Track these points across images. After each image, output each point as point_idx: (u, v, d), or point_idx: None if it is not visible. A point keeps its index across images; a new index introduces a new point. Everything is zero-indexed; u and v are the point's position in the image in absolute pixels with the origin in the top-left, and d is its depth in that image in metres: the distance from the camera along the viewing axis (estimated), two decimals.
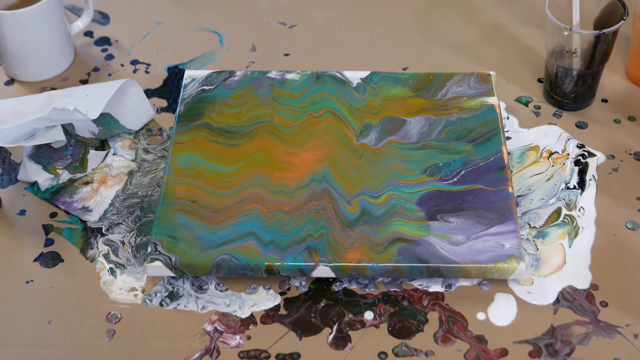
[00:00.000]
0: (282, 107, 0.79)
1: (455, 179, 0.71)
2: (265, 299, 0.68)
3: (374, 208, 0.69)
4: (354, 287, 0.68)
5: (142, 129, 0.83)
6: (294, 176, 0.72)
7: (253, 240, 0.67)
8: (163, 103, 0.86)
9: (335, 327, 0.66)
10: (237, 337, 0.65)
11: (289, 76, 0.82)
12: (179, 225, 0.69)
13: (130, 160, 0.80)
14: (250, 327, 0.66)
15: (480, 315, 0.66)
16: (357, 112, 0.78)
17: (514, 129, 0.80)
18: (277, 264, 0.66)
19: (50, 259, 0.72)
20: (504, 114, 0.81)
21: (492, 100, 0.78)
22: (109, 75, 0.89)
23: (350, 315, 0.66)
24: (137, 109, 0.82)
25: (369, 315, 0.66)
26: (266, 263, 0.66)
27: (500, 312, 0.66)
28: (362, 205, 0.70)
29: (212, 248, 0.67)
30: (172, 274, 0.67)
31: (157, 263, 0.66)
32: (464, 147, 0.74)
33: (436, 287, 0.68)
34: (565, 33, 0.77)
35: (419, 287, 0.68)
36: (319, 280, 0.69)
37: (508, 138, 0.79)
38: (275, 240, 0.67)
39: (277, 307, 0.67)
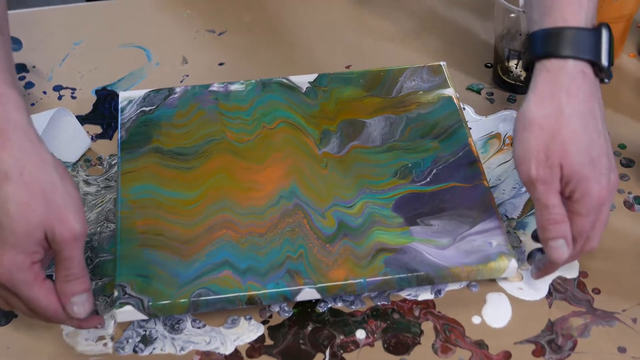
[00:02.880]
0: (233, 121, 0.74)
1: (428, 179, 0.68)
2: (248, 330, 0.63)
3: (350, 219, 0.65)
4: (339, 305, 0.64)
5: (79, 160, 0.76)
6: (261, 195, 0.67)
7: (229, 269, 0.63)
8: (97, 129, 0.79)
9: (328, 352, 0.61)
10: None
11: (233, 87, 0.77)
12: (149, 262, 0.63)
13: None
14: None
15: (476, 319, 0.63)
16: (313, 119, 0.74)
17: (471, 118, 0.78)
18: (258, 292, 0.61)
19: (2, 316, 0.65)
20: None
21: (448, 91, 0.75)
22: (32, 105, 0.82)
23: (342, 337, 0.62)
24: (73, 140, 0.76)
25: (360, 334, 0.63)
26: (247, 293, 0.61)
27: (495, 313, 0.64)
28: (337, 217, 0.66)
29: (187, 284, 0.62)
30: (145, 317, 0.61)
31: (128, 308, 0.61)
32: (430, 144, 0.71)
33: (425, 294, 0.65)
34: (512, 15, 0.75)
35: (408, 297, 0.65)
36: (301, 302, 0.64)
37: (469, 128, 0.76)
38: (252, 267, 0.63)
39: (262, 338, 0.63)
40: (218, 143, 0.72)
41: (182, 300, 0.61)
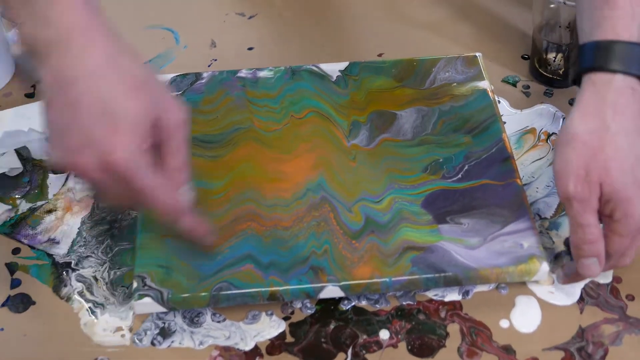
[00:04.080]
0: (260, 109, 0.72)
1: (460, 175, 0.66)
2: (269, 326, 0.61)
3: (377, 215, 0.63)
4: (363, 303, 0.62)
5: None
6: (287, 186, 0.66)
7: (251, 263, 0.61)
8: None
9: (350, 352, 0.60)
10: None
11: (261, 74, 0.75)
12: (170, 252, 0.61)
13: None
14: None
15: (504, 323, 0.61)
16: (342, 109, 0.72)
17: (506, 112, 0.75)
18: (280, 288, 0.59)
19: (20, 302, 0.64)
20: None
21: (483, 84, 0.73)
22: None
23: (365, 337, 0.61)
24: None
25: (384, 334, 0.61)
26: (269, 289, 0.59)
27: (524, 318, 0.61)
28: (364, 212, 0.64)
29: (209, 277, 0.60)
30: (164, 310, 0.60)
31: (147, 300, 0.59)
32: (463, 139, 0.69)
33: (452, 295, 0.63)
34: (552, 6, 0.73)
35: (434, 298, 0.63)
36: (324, 299, 0.63)
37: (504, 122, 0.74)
38: (275, 262, 0.61)
39: (282, 335, 0.61)
40: (245, 131, 0.70)
41: (202, 294, 0.59)
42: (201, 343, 0.61)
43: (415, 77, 0.74)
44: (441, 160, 0.67)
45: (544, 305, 0.62)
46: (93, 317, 0.62)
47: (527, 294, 0.63)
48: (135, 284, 0.60)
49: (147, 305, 0.60)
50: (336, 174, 0.66)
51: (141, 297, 0.59)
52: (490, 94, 0.72)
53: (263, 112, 0.72)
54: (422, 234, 0.62)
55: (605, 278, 0.63)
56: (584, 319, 0.61)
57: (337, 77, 0.74)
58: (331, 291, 0.60)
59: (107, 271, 0.65)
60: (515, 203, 0.64)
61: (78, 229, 0.68)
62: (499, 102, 0.76)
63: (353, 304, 0.62)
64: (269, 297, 0.60)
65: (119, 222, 0.68)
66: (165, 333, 0.61)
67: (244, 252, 0.62)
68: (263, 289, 0.59)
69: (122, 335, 0.61)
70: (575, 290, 0.63)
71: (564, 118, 0.74)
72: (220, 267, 0.61)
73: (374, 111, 0.71)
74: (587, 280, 0.63)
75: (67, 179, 0.72)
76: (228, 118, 0.71)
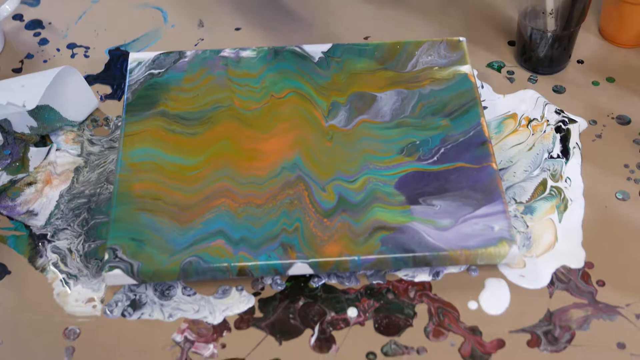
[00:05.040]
0: (241, 88, 0.72)
1: (435, 158, 0.66)
2: (238, 301, 0.62)
3: (350, 194, 0.64)
4: (333, 282, 0.63)
5: (86, 119, 0.76)
6: (263, 165, 0.66)
7: (222, 239, 0.61)
8: (107, 90, 0.78)
9: (317, 328, 0.60)
10: (211, 346, 0.59)
11: (244, 54, 0.75)
12: (144, 226, 0.62)
13: (75, 155, 0.73)
14: (224, 334, 0.60)
15: (472, 305, 0.61)
16: (323, 90, 0.72)
17: (488, 97, 0.75)
18: (249, 264, 0.60)
19: None
20: (477, 82, 0.76)
21: (465, 68, 0.73)
22: (45, 62, 0.81)
23: (333, 314, 0.61)
24: (79, 98, 0.75)
25: (352, 312, 0.61)
26: (237, 264, 0.60)
27: (493, 300, 0.61)
28: (338, 192, 0.64)
29: (180, 251, 0.61)
30: (135, 282, 0.60)
31: (117, 272, 0.60)
32: (441, 122, 0.69)
33: (423, 276, 0.63)
34: None
35: (404, 278, 0.63)
36: (295, 276, 0.63)
37: (484, 107, 0.74)
38: (246, 238, 0.61)
39: (251, 310, 0.61)
40: (225, 110, 0.71)
41: (172, 267, 0.60)
42: (170, 315, 0.61)
43: (397, 60, 0.74)
44: (418, 142, 0.67)
45: (513, 288, 0.62)
46: (66, 287, 0.63)
47: (497, 277, 0.63)
48: (106, 256, 0.61)
49: (118, 277, 0.60)
50: (312, 154, 0.67)
51: (112, 268, 0.60)
52: (471, 78, 0.72)
53: (244, 92, 0.72)
54: (394, 215, 0.62)
55: (578, 263, 0.63)
56: (553, 303, 0.61)
57: (319, 58, 0.74)
58: (300, 268, 0.60)
59: (82, 244, 0.66)
60: (490, 187, 0.64)
61: (56, 201, 0.69)
62: (482, 87, 0.76)
63: (323, 281, 0.63)
64: (238, 273, 0.60)
65: (96, 196, 0.69)
66: (135, 305, 0.62)
67: (216, 228, 0.62)
68: (232, 264, 0.60)
69: (94, 306, 0.62)
70: (545, 274, 0.63)
71: (545, 104, 0.74)
72: (192, 242, 0.61)
73: (354, 93, 0.71)
74: (558, 264, 0.63)
75: (48, 152, 0.72)
76: (209, 96, 0.72)
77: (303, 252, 0.60)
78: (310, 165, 0.66)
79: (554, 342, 0.59)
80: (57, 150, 0.73)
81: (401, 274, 0.63)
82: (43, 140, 0.74)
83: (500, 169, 0.69)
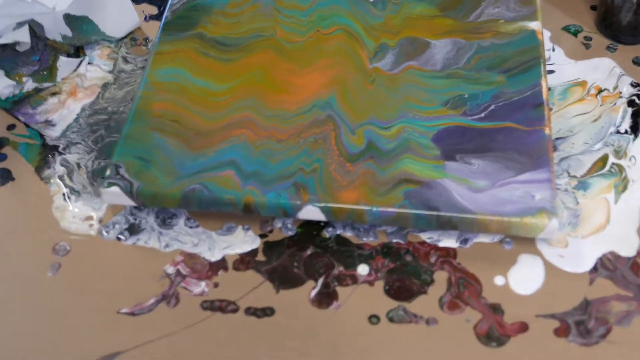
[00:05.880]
0: (287, 19, 0.67)
1: (482, 114, 0.59)
2: (242, 241, 0.57)
3: (381, 141, 0.57)
4: (348, 234, 0.57)
5: (125, 37, 0.71)
6: (294, 99, 0.60)
7: (232, 170, 0.56)
8: (153, 10, 0.74)
9: (320, 281, 0.54)
10: (203, 283, 0.54)
11: None
12: (155, 146, 0.57)
13: (107, 71, 0.69)
14: (219, 273, 0.55)
15: (499, 280, 0.54)
16: (373, 31, 0.65)
17: (558, 60, 0.67)
18: (256, 199, 0.54)
19: (0, 177, 0.61)
20: (548, 44, 0.68)
21: (534, 25, 0.65)
22: None
23: (341, 268, 0.55)
24: (121, 14, 0.71)
25: (363, 269, 0.55)
26: (243, 198, 0.54)
27: (524, 278, 0.54)
28: (368, 137, 0.58)
29: (186, 177, 0.56)
30: (133, 204, 0.56)
31: (115, 189, 0.55)
32: (496, 78, 0.61)
33: (449, 241, 0.56)
34: None
35: (428, 241, 0.56)
36: (308, 223, 0.57)
37: (551, 72, 0.66)
38: (258, 172, 0.56)
39: (254, 252, 0.56)
40: (265, 39, 0.65)
41: (173, 192, 0.55)
42: (167, 245, 0.56)
43: (460, 9, 0.67)
44: (466, 96, 0.60)
45: (549, 268, 0.55)
46: (67, 202, 0.59)
47: (533, 253, 0.55)
48: (108, 172, 0.56)
49: (115, 195, 0.56)
50: (349, 94, 0.61)
51: (110, 185, 0.56)
52: (539, 35, 0.64)
53: (289, 23, 0.66)
54: (425, 168, 0.56)
55: (629, 250, 0.55)
56: (592, 291, 0.54)
57: None
58: (310, 212, 0.55)
59: (92, 160, 0.62)
60: (538, 152, 0.56)
61: (77, 114, 0.65)
62: (553, 49, 0.68)
63: (337, 232, 0.57)
64: (244, 209, 0.55)
65: (118, 114, 0.65)
66: (133, 229, 0.57)
67: (229, 158, 0.57)
68: (238, 198, 0.54)
69: (90, 225, 0.58)
70: (589, 258, 0.55)
71: (621, 75, 0.65)
72: (200, 169, 0.56)
73: (407, 37, 0.65)
74: (605, 250, 0.55)
75: (79, 64, 0.69)
76: (251, 24, 0.66)
77: (317, 195, 0.54)
78: (344, 105, 0.60)
79: (586, 335, 0.51)
80: (88, 64, 0.69)
81: (425, 236, 0.56)
82: (76, 52, 0.70)
83: (557, 138, 0.61)
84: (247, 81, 0.62)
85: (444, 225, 0.54)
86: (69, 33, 0.69)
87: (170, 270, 0.55)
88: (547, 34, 0.69)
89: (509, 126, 0.58)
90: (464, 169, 0.56)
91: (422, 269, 0.55)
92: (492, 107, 0.60)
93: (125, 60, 0.69)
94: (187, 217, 0.58)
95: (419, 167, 0.56)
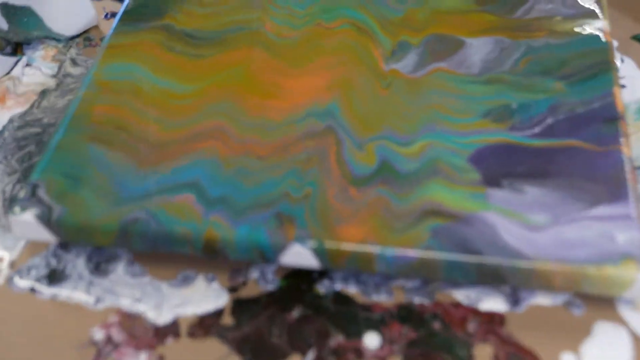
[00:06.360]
0: (279, 10, 0.52)
1: (537, 129, 0.43)
2: (202, 296, 0.40)
3: (400, 160, 0.42)
4: (352, 290, 0.40)
5: (78, 36, 0.57)
6: (281, 105, 0.45)
7: (192, 193, 0.40)
8: (117, 7, 0.59)
9: (310, 355, 0.38)
10: (143, 356, 0.38)
11: None
12: (89, 160, 0.42)
13: (50, 75, 0.54)
14: (167, 341, 0.39)
15: (567, 359, 0.38)
16: (391, 26, 0.50)
17: (629, 73, 0.52)
18: (221, 234, 0.38)
19: None
20: (616, 54, 0.53)
21: (597, 24, 0.50)
22: None
23: (341, 338, 0.39)
24: (74, 8, 0.56)
25: (372, 339, 0.39)
26: (204, 232, 0.39)
27: (602, 356, 0.38)
28: (381, 154, 0.42)
29: (127, 201, 0.40)
30: (55, 240, 0.40)
31: (28, 216, 0.40)
32: (553, 85, 0.46)
33: (493, 302, 0.40)
34: None
35: (463, 301, 0.40)
36: (296, 272, 0.41)
37: (622, 86, 0.51)
38: (228, 198, 0.40)
39: (219, 313, 0.40)
40: (249, 33, 0.50)
41: (107, 222, 0.39)
42: (99, 300, 0.40)
43: (504, 2, 0.52)
44: (514, 106, 0.45)
45: (639, 343, 0.38)
46: None
47: (614, 320, 0.39)
48: (22, 193, 0.41)
49: (28, 225, 0.40)
50: (357, 101, 0.45)
51: (21, 210, 0.40)
52: (607, 37, 0.49)
53: (280, 15, 0.51)
54: (459, 197, 0.40)
55: None
56: None
57: None
58: (299, 255, 0.38)
59: (13, 184, 0.46)
60: (615, 178, 0.41)
61: (2, 127, 0.50)
62: (622, 61, 0.53)
63: (337, 287, 0.40)
64: (205, 248, 0.39)
65: (56, 127, 0.49)
66: (55, 277, 0.41)
67: (190, 178, 0.41)
68: (196, 231, 0.39)
69: None
70: None
71: None
72: (149, 191, 0.41)
73: (434, 34, 0.50)
74: None
75: (14, 65, 0.54)
76: (233, 15, 0.52)
77: (308, 230, 0.38)
78: (350, 114, 0.44)
79: None
80: (26, 65, 0.54)
81: (459, 294, 0.40)
82: (13, 49, 0.55)
83: (638, 168, 0.45)
84: (221, 82, 0.47)
85: (488, 277, 0.38)
86: (4, 26, 0.54)
87: (99, 335, 0.39)
88: (614, 44, 0.54)
89: (573, 145, 0.42)
90: (514, 199, 0.40)
91: (457, 341, 0.38)
92: (549, 120, 0.44)
93: (74, 62, 0.54)
94: (131, 260, 0.42)
95: (451, 196, 0.40)
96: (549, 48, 0.48)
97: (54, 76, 0.54)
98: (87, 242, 0.40)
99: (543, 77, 0.47)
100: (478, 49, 0.49)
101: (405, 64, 0.48)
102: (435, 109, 0.45)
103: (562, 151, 0.42)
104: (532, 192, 0.40)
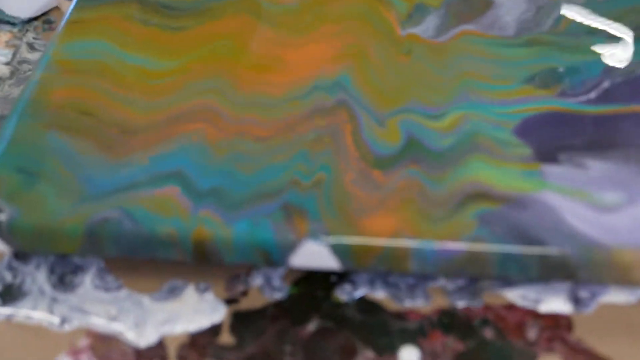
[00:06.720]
0: None
1: (592, 94, 0.36)
2: (195, 310, 0.32)
3: (431, 136, 0.34)
4: (380, 294, 0.33)
5: (36, 18, 0.49)
6: (282, 80, 0.37)
7: (177, 185, 0.32)
8: None
9: None
10: None
11: None
12: (49, 151, 0.34)
13: (3, 63, 0.46)
14: None
15: None
16: None
17: None
18: (214, 233, 0.31)
19: None
20: None
21: None
22: None
23: (370, 354, 0.31)
24: None
25: (409, 354, 0.31)
26: (193, 230, 0.31)
27: None
28: (407, 130, 0.34)
29: (96, 198, 0.32)
30: (7, 249, 0.32)
31: None
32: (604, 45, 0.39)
33: (555, 302, 0.32)
34: None
35: (519, 302, 0.32)
36: (309, 276, 0.33)
37: None
38: (220, 190, 0.32)
39: (215, 330, 0.32)
40: (238, 2, 0.43)
41: (71, 224, 0.31)
42: (65, 320, 0.32)
43: None
44: (561, 69, 0.37)
45: None
46: None
47: None
48: None
49: None
50: (372, 70, 0.38)
51: None
52: None
53: None
54: (510, 176, 0.32)
55: None
56: None
57: None
58: (314, 254, 0.31)
59: None
60: None
61: None
62: None
63: (360, 291, 0.33)
64: (195, 251, 0.31)
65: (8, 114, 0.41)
66: (10, 294, 0.33)
67: (173, 168, 0.33)
68: (183, 230, 0.31)
69: None
70: None
71: None
72: (123, 185, 0.33)
73: None
74: None
75: None
76: None
77: (323, 224, 0.31)
78: (366, 86, 0.37)
79: None
80: None
81: (512, 294, 0.32)
82: None
83: None
84: (207, 56, 0.39)
85: (553, 271, 0.30)
86: None
87: None
88: None
89: (638, 111, 0.35)
90: (577, 175, 0.32)
91: (516, 352, 0.31)
92: (605, 83, 0.36)
93: (32, 47, 0.46)
94: (102, 270, 0.34)
95: (499, 175, 0.32)
96: (594, 3, 0.41)
97: (8, 63, 0.46)
98: (47, 250, 0.32)
99: (591, 36, 0.39)
100: (510, 8, 0.41)
101: (425, 27, 0.40)
102: (467, 76, 0.37)
103: (627, 118, 0.35)
104: (597, 166, 0.33)
